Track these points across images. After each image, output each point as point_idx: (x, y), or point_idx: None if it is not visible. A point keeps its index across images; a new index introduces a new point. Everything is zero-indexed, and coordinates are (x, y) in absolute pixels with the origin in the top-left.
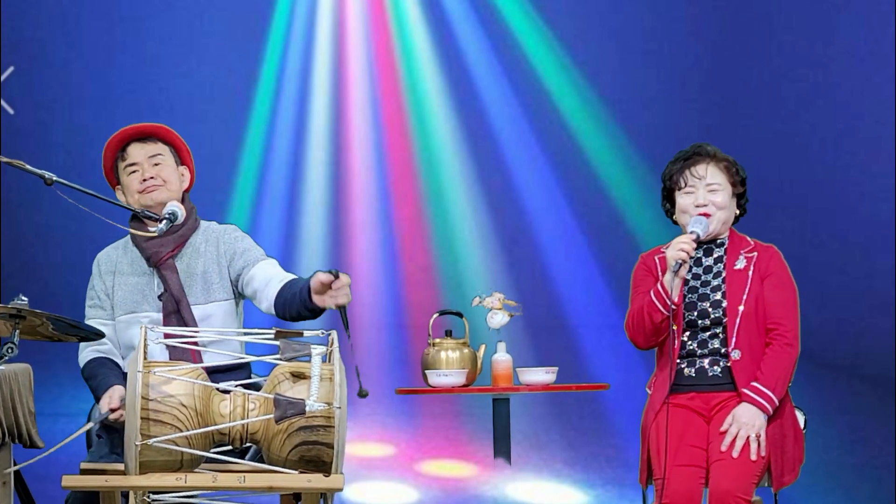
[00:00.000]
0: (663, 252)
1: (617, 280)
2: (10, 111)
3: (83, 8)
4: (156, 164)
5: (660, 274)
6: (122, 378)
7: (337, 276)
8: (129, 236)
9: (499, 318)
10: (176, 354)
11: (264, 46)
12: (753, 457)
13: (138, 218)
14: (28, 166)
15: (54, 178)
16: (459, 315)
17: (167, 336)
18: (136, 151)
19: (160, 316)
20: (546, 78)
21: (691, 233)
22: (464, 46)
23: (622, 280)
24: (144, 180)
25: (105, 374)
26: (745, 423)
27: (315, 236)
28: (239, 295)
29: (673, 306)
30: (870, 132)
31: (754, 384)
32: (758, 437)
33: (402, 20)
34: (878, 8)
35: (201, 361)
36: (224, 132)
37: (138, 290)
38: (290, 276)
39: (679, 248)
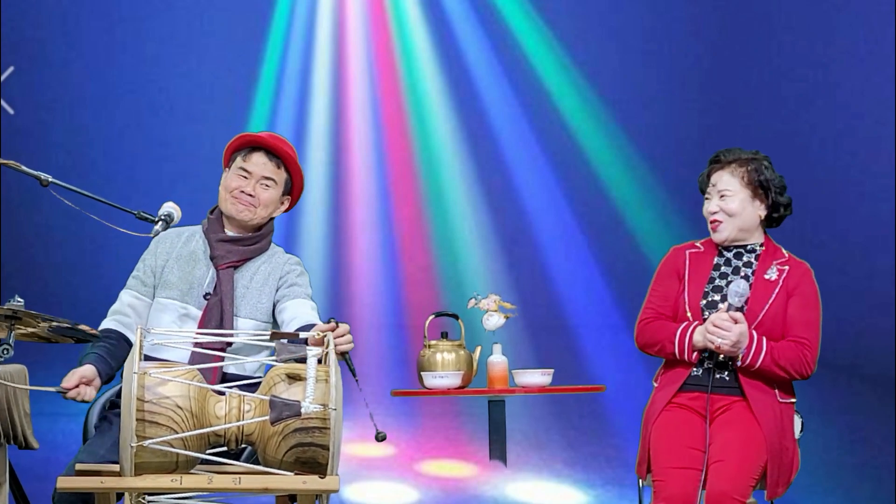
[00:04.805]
0: (697, 247)
1: (617, 280)
2: (10, 111)
3: (83, 8)
4: (265, 186)
5: (686, 275)
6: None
7: (337, 326)
8: (200, 227)
9: (494, 320)
10: (198, 358)
11: (264, 46)
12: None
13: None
14: (23, 167)
15: (50, 180)
16: (455, 317)
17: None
18: (259, 163)
19: (199, 313)
20: (546, 78)
21: (728, 306)
22: (464, 46)
23: (622, 280)
24: (244, 192)
25: (95, 349)
26: (733, 332)
27: (315, 236)
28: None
29: (688, 360)
30: (870, 132)
31: (765, 337)
32: (718, 347)
33: (402, 20)
34: (878, 8)
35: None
36: (224, 132)
37: (188, 281)
38: (313, 322)
39: (717, 334)
